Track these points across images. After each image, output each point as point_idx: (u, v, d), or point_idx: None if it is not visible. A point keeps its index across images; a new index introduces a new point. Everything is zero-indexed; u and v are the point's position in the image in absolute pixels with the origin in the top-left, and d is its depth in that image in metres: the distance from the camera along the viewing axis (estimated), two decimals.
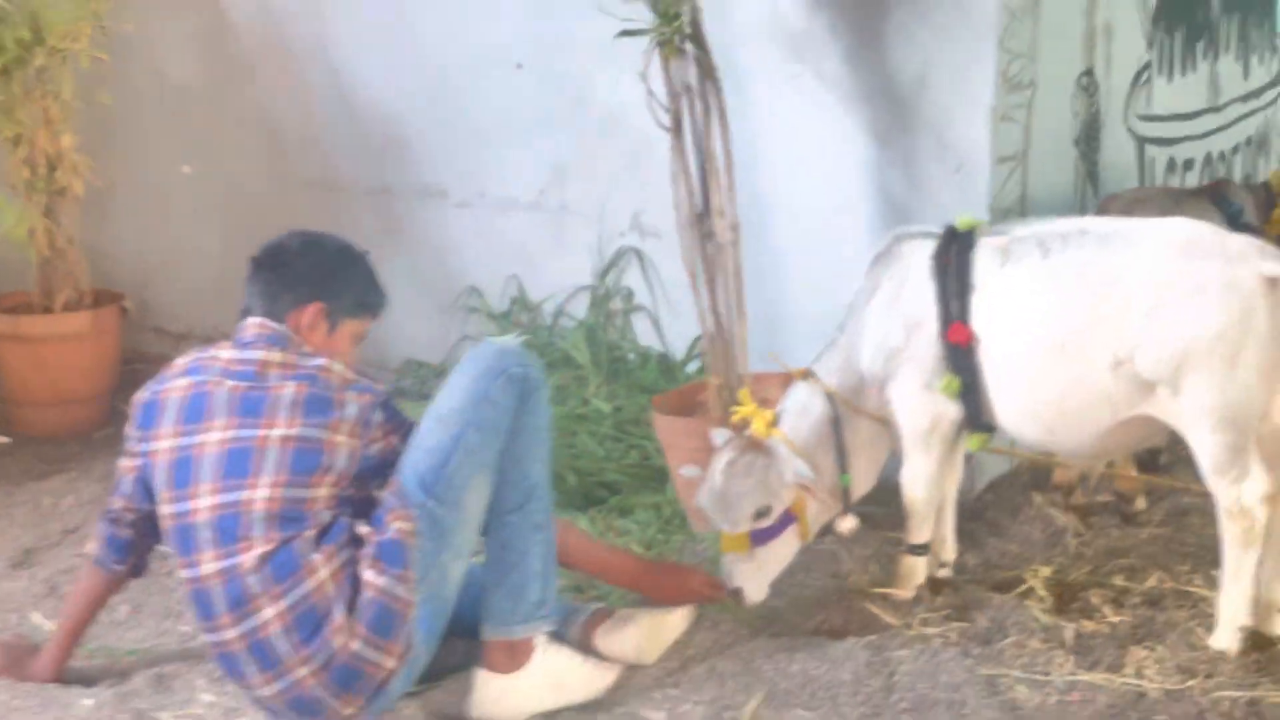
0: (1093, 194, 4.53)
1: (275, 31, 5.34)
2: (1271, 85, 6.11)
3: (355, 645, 2.81)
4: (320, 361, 3.00)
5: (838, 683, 3.07)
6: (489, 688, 3.01)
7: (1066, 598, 3.50)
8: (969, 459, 3.94)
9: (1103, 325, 3.17)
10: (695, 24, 3.73)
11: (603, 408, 4.28)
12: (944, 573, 3.61)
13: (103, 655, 3.33)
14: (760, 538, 3.40)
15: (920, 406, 3.40)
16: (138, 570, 3.16)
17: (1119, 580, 3.56)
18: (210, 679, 3.07)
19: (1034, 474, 4.18)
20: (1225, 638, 3.13)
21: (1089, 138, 4.52)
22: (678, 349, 4.61)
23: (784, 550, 3.47)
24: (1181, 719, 2.90)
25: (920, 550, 3.54)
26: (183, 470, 2.89)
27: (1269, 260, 3.06)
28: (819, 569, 3.71)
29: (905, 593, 3.51)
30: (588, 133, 4.66)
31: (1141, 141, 4.88)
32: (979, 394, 3.33)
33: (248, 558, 2.81)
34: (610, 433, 4.20)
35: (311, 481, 2.88)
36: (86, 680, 3.20)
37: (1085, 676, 3.07)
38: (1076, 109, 4.45)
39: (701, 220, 3.82)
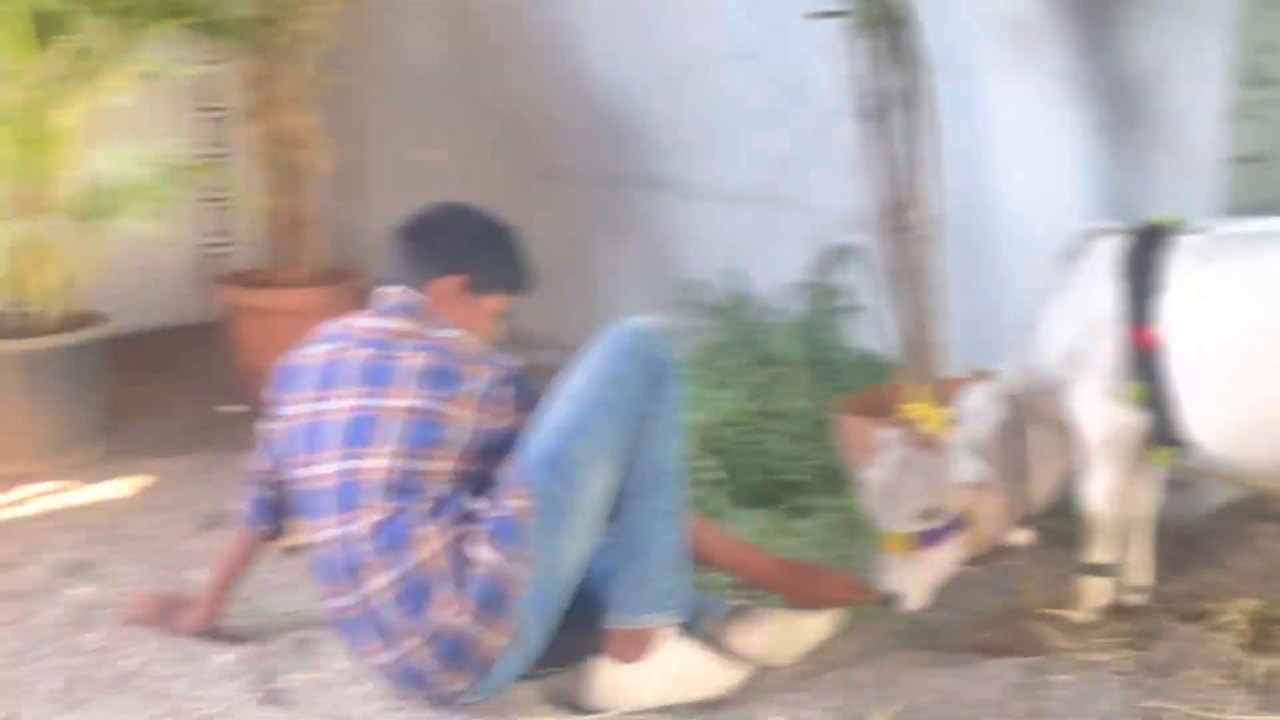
0: None
1: (514, 19, 5.51)
2: None
3: (463, 621, 2.80)
4: (452, 333, 3.01)
5: (980, 701, 2.91)
6: (608, 676, 2.95)
7: (1268, 634, 3.23)
8: (1190, 482, 3.74)
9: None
10: (903, 5, 3.62)
11: (802, 406, 4.18)
12: (1135, 599, 3.40)
13: (260, 615, 3.42)
14: (926, 540, 3.29)
15: (1102, 415, 3.23)
16: (282, 532, 3.23)
17: None
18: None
19: (1263, 502, 3.86)
20: None
21: None
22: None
23: (950, 557, 3.36)
24: None
25: (1101, 570, 3.34)
26: (313, 436, 2.96)
27: None
28: (993, 585, 3.55)
29: (1081, 615, 3.32)
30: (809, 124, 4.58)
31: None
32: (1166, 404, 3.13)
33: (362, 526, 2.85)
34: (804, 432, 4.11)
35: (431, 454, 2.89)
36: (234, 638, 3.29)
37: (1263, 717, 2.81)
38: None
39: (899, 213, 3.71)
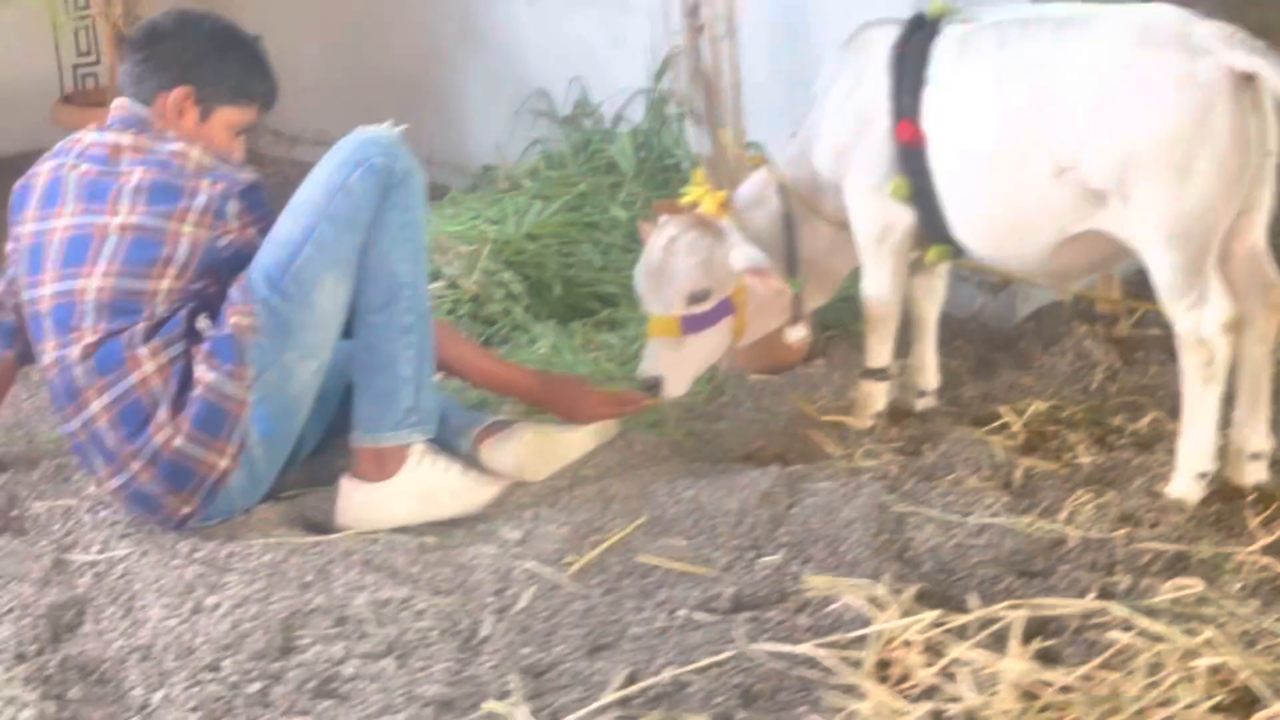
0: None
1: None
2: None
3: (179, 442, 2.80)
4: (175, 147, 2.94)
5: (724, 511, 2.94)
6: (355, 495, 2.97)
7: (1044, 436, 3.29)
8: (1012, 284, 3.74)
9: (1045, 127, 2.93)
10: None
11: (620, 216, 4.13)
12: (924, 403, 3.45)
13: (22, 442, 3.43)
14: (693, 324, 3.28)
15: (871, 210, 3.23)
16: (26, 357, 3.17)
17: (1117, 420, 3.30)
18: None
19: (1081, 303, 3.86)
20: (1183, 485, 2.92)
21: None
22: None
23: (715, 343, 3.36)
24: (1086, 568, 2.65)
25: (878, 375, 3.36)
26: (35, 256, 2.92)
27: (1238, 51, 2.73)
28: (782, 395, 3.56)
29: (860, 422, 3.35)
30: None
31: None
32: (931, 200, 3.11)
33: (77, 349, 2.84)
34: (620, 244, 4.06)
35: (149, 273, 2.86)
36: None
37: (1005, 520, 2.83)
38: None
39: (694, 13, 3.67)
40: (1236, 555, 2.70)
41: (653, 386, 3.23)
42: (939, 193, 3.08)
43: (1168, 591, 2.49)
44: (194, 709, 2.32)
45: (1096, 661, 2.22)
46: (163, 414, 2.81)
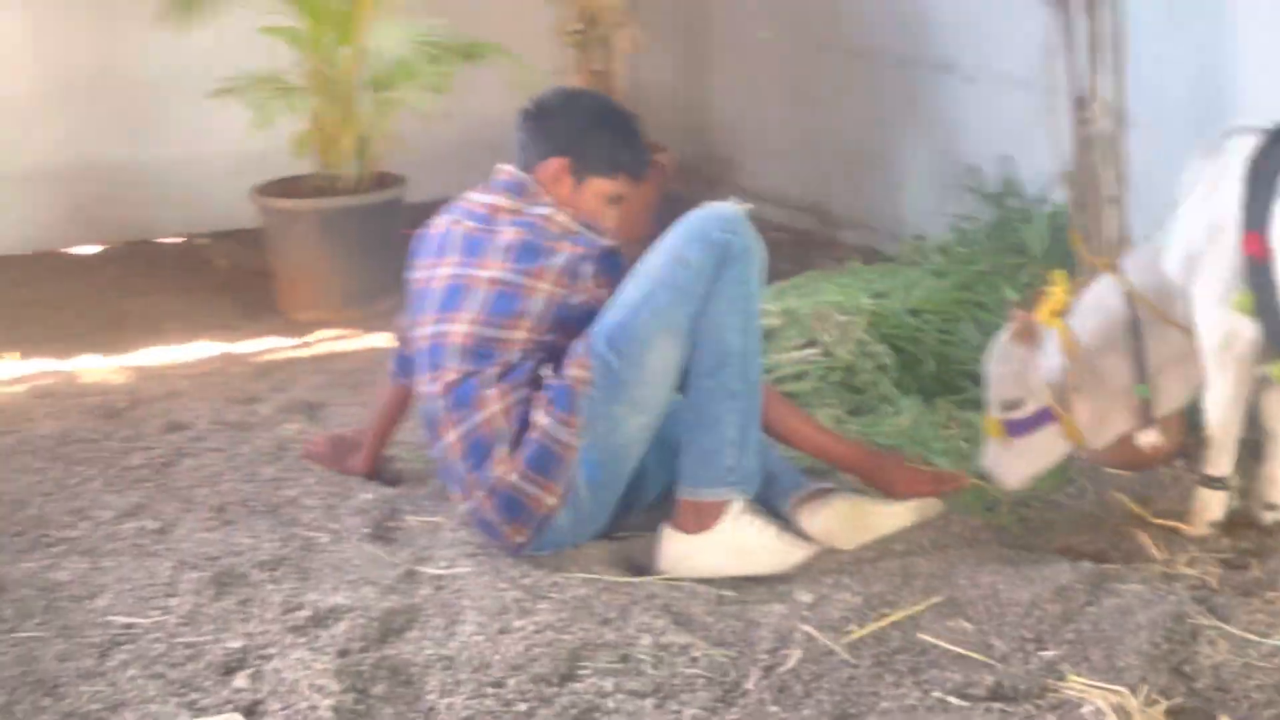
0: None
1: None
2: None
3: (514, 477, 3.17)
4: (544, 210, 3.30)
5: (1017, 601, 2.99)
6: (672, 544, 3.21)
7: None
8: None
9: None
10: None
11: (1010, 296, 4.23)
12: (1271, 516, 3.38)
13: (420, 461, 3.85)
14: (1014, 429, 3.44)
15: (1215, 321, 3.24)
16: None
17: None
18: None
19: None
20: None
21: None
22: None
23: (1045, 448, 3.47)
24: None
25: (1215, 483, 3.35)
26: (420, 300, 3.38)
27: None
28: (1128, 490, 3.59)
29: (1194, 529, 3.34)
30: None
31: None
32: (1275, 315, 3.11)
33: (440, 385, 3.26)
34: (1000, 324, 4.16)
35: (506, 323, 3.22)
36: (391, 480, 3.78)
37: None
38: None
39: (1081, 105, 3.79)
40: None
41: (986, 477, 3.40)
42: None
43: None
44: (467, 718, 2.61)
45: None
46: (502, 451, 3.17)
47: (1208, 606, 2.97)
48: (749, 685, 2.77)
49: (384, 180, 5.44)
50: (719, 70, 6.49)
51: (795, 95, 6.28)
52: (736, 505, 3.21)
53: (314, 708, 2.75)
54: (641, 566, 3.29)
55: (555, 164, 3.36)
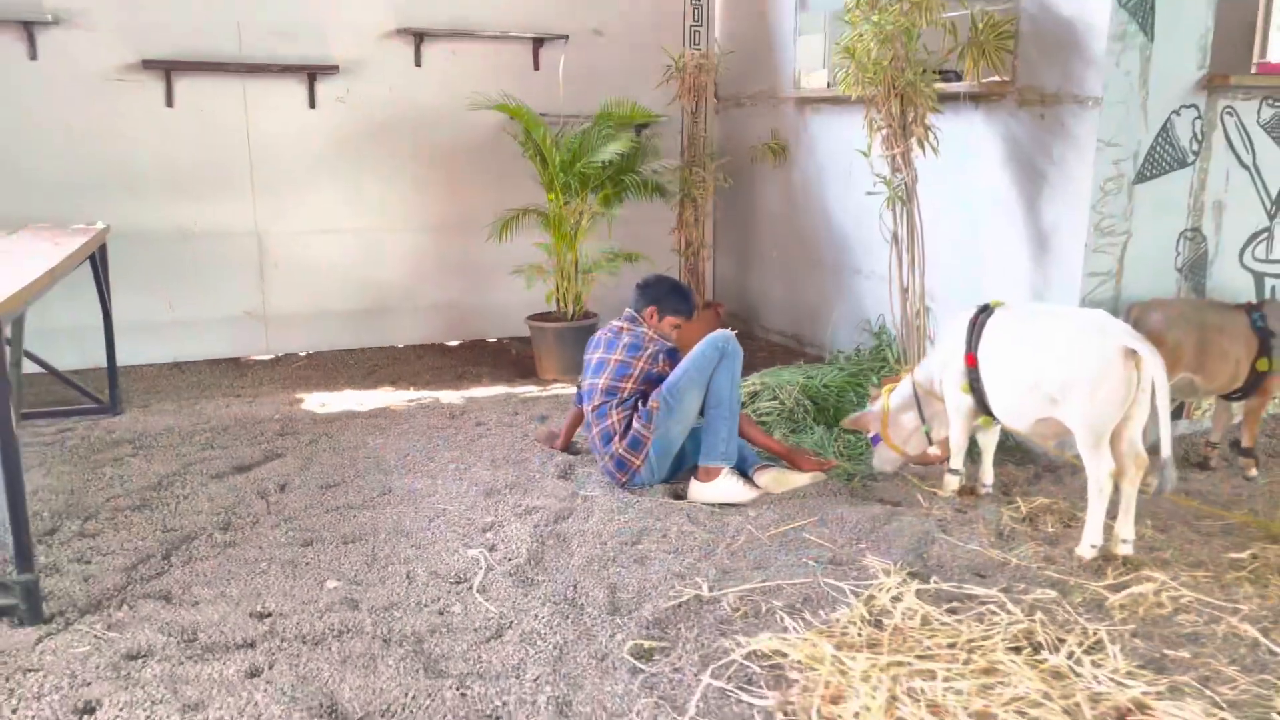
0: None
1: (814, 187, 6.28)
2: None
3: (621, 451, 3.88)
4: (643, 330, 4.01)
5: (850, 521, 3.57)
6: (694, 487, 3.85)
7: (1037, 512, 3.65)
8: None
9: (1035, 363, 3.38)
10: None
11: (873, 382, 4.77)
12: (985, 490, 3.88)
13: (586, 445, 4.38)
14: (875, 442, 4.00)
15: (953, 396, 3.76)
16: None
17: (1081, 513, 3.54)
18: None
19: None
20: (1083, 549, 3.32)
21: (1195, 269, 4.36)
22: None
23: (887, 455, 3.99)
24: (1018, 576, 3.18)
25: (954, 472, 3.87)
26: (587, 367, 4.07)
27: (1129, 340, 3.17)
28: (924, 478, 4.05)
29: (942, 493, 3.87)
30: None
31: (1259, 275, 4.51)
32: (981, 393, 3.64)
33: (591, 407, 3.97)
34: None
35: (623, 379, 3.92)
36: (573, 452, 4.31)
37: (991, 552, 3.33)
38: (1180, 250, 4.32)
39: (905, 291, 4.41)
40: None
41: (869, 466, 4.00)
42: (983, 391, 3.60)
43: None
44: (588, 557, 3.32)
45: None
46: (616, 440, 3.88)
47: (941, 529, 3.52)
48: (719, 550, 3.36)
49: (586, 315, 5.79)
50: (754, 268, 6.69)
51: (786, 281, 6.28)
52: (725, 469, 3.81)
53: (519, 550, 3.37)
54: (680, 496, 3.88)
55: (649, 309, 4.07)
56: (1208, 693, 2.53)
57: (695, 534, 3.53)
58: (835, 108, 5.60)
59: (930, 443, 3.99)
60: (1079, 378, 3.25)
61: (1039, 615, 2.89)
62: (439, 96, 6.30)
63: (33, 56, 5.58)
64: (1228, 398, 4.11)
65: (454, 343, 6.62)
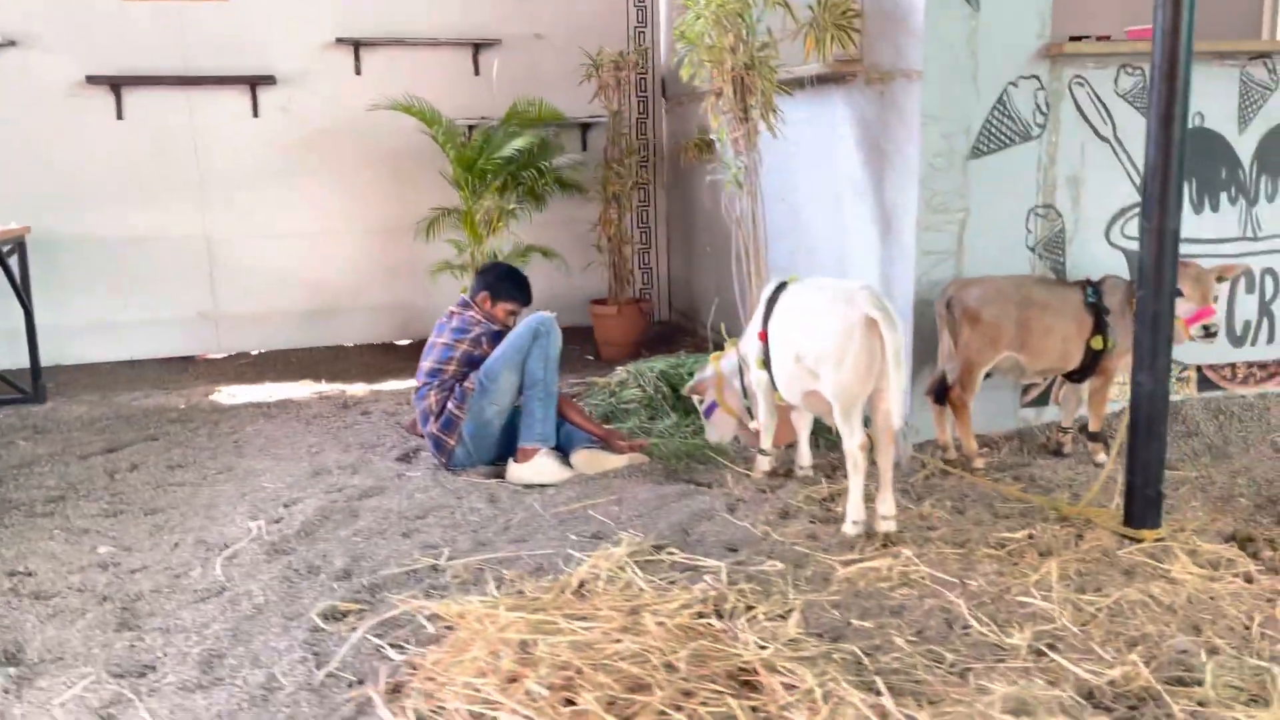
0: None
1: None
2: None
3: (435, 430, 3.97)
4: (472, 314, 4.08)
5: (644, 500, 3.60)
6: (511, 468, 3.91)
7: (841, 493, 3.56)
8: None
9: (795, 336, 3.40)
10: None
11: None
12: (802, 472, 3.83)
13: None
14: (707, 413, 4.00)
15: (754, 372, 3.76)
16: None
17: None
18: None
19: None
20: (847, 527, 3.27)
21: (1051, 247, 4.18)
22: None
23: (721, 422, 3.99)
24: (766, 550, 3.14)
25: (764, 452, 3.84)
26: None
27: (872, 309, 3.13)
28: (740, 459, 4.02)
29: (754, 474, 3.83)
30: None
31: (1132, 254, 4.26)
32: (770, 370, 3.64)
33: (414, 388, 4.09)
34: None
35: (446, 361, 4.00)
36: (422, 445, 4.33)
37: (760, 529, 3.31)
38: (1031, 227, 4.14)
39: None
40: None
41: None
42: (773, 366, 3.60)
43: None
44: (378, 529, 3.46)
45: None
46: (433, 420, 3.97)
47: (728, 508, 3.49)
48: (494, 526, 3.42)
49: None
50: (695, 265, 6.69)
51: (716, 276, 5.98)
52: (543, 450, 3.87)
53: (295, 523, 3.45)
54: (500, 478, 3.91)
55: (483, 294, 4.12)
56: (864, 661, 2.46)
57: (482, 511, 3.61)
58: (813, 91, 5.47)
59: (752, 417, 3.95)
60: (827, 348, 3.23)
61: (748, 585, 2.85)
62: (380, 104, 6.52)
63: None
64: (1070, 379, 3.95)
65: (405, 341, 6.78)
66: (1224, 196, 4.39)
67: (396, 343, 6.81)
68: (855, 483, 3.24)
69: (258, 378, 5.92)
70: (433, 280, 6.27)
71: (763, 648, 2.46)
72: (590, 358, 6.15)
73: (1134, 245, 4.30)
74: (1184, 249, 4.21)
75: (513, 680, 2.24)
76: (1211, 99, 4.29)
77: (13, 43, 6.03)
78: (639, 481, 3.85)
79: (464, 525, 3.47)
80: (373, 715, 2.29)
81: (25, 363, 5.87)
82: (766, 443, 3.85)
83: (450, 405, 3.98)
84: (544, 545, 3.25)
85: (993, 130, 4.03)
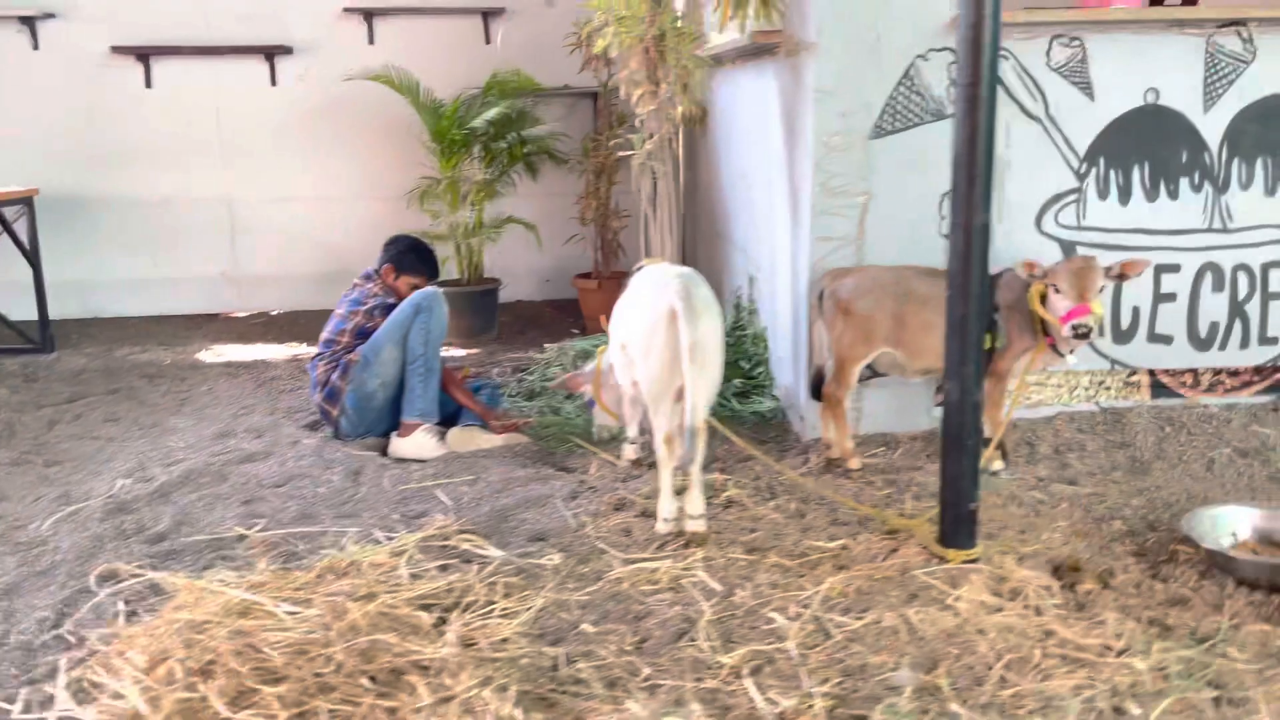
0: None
1: (715, 164, 6.02)
2: None
3: (320, 400, 4.06)
4: (371, 286, 4.11)
5: (495, 481, 3.56)
6: (393, 441, 3.96)
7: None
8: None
9: (617, 323, 3.34)
10: None
11: None
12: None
13: None
14: (591, 405, 3.97)
15: (613, 356, 3.61)
16: None
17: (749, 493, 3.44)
18: None
19: None
20: (659, 525, 3.15)
21: None
22: None
23: (601, 417, 3.93)
24: (566, 543, 3.08)
25: (629, 441, 3.76)
26: None
27: (676, 299, 3.00)
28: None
29: (619, 462, 3.75)
30: None
31: (1068, 243, 3.91)
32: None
33: (310, 357, 4.19)
34: None
35: (339, 333, 4.06)
36: None
37: (583, 520, 3.24)
38: (945, 213, 3.81)
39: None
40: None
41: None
42: (610, 352, 3.48)
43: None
44: (271, 484, 3.53)
45: None
46: (320, 389, 4.04)
47: (570, 494, 3.42)
48: (354, 498, 3.46)
49: (484, 280, 6.15)
50: (696, 242, 6.08)
51: (706, 254, 5.78)
52: (423, 426, 3.90)
53: (157, 484, 3.56)
54: (382, 451, 3.97)
55: (387, 266, 4.14)
56: (558, 669, 2.38)
57: (335, 483, 3.65)
58: (746, 65, 5.32)
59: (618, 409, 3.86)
60: (635, 337, 3.14)
61: (514, 579, 2.80)
62: (392, 73, 6.63)
63: (35, 47, 6.47)
64: None
65: None
66: (1185, 183, 3.94)
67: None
68: (663, 478, 3.12)
69: (259, 338, 6.18)
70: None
71: (443, 636, 2.42)
72: (575, 331, 6.12)
73: (1070, 235, 3.93)
74: (1134, 240, 3.94)
75: (163, 660, 2.28)
76: (1169, 73, 3.84)
77: (51, 15, 6.44)
78: (504, 462, 3.81)
79: (307, 497, 3.53)
80: (50, 681, 2.38)
81: (64, 313, 6.36)
82: (632, 430, 3.76)
83: (334, 377, 4.05)
84: (358, 523, 3.27)
85: (899, 108, 3.75)
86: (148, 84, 6.61)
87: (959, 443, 2.80)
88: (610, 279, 6.17)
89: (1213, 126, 3.90)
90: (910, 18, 3.67)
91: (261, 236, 6.87)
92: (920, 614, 2.59)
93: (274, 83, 6.69)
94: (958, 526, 2.86)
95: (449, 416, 4.15)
